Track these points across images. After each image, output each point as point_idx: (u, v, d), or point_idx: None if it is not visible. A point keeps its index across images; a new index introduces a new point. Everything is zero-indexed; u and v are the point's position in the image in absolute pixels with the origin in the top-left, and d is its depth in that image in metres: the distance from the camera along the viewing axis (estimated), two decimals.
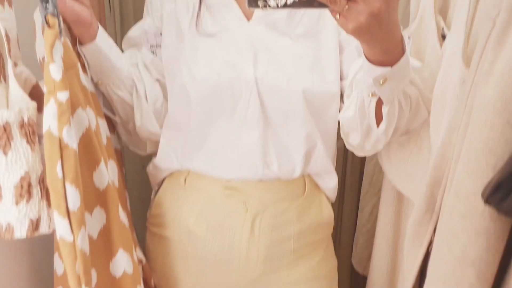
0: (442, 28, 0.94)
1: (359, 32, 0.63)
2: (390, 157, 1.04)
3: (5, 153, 0.67)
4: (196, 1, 0.99)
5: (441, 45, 0.92)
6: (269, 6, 0.58)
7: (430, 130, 0.81)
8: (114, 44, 0.97)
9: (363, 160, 1.44)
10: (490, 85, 0.54)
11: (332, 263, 1.11)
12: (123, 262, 0.86)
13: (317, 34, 0.97)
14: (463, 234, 0.56)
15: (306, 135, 0.96)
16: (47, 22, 0.73)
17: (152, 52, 1.03)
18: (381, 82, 0.73)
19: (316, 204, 1.03)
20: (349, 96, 0.92)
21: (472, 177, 0.55)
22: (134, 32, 1.04)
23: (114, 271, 0.87)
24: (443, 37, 0.93)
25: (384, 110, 0.81)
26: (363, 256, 1.52)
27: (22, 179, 0.69)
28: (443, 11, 0.98)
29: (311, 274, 1.04)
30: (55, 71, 0.70)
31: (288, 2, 0.58)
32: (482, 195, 0.52)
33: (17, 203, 0.69)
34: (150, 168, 1.08)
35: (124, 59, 0.99)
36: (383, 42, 0.67)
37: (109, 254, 0.86)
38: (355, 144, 0.93)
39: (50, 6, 0.74)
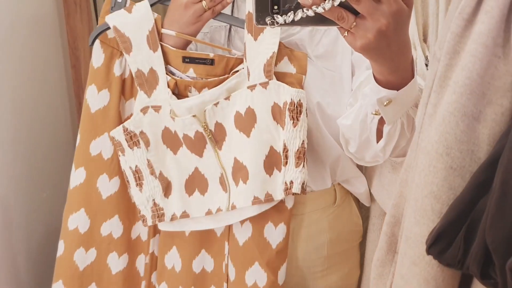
0: (426, 57, 0.93)
1: (367, 50, 0.61)
2: (381, 178, 1.04)
3: (294, 125, 0.86)
4: (227, 26, 1.02)
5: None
6: (277, 23, 0.58)
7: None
8: None
9: None
10: (433, 129, 0.53)
11: (358, 274, 1.13)
12: None
13: (335, 55, 0.99)
14: (413, 280, 0.55)
15: (326, 148, 0.97)
16: None
17: None
18: (385, 104, 0.73)
19: (346, 212, 1.06)
20: (351, 104, 0.92)
21: (419, 223, 0.54)
22: None
23: None
24: (427, 66, 0.93)
25: (385, 129, 0.81)
26: None
27: (301, 146, 0.86)
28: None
29: (342, 284, 1.07)
30: None
31: (296, 19, 0.57)
32: (426, 244, 0.51)
33: (296, 165, 0.87)
34: None
35: None
36: (392, 61, 0.66)
37: None
38: (353, 151, 0.93)
39: None
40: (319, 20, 0.58)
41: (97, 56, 0.96)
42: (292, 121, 0.86)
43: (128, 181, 0.97)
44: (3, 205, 1.18)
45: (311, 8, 0.56)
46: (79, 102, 1.44)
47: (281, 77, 0.90)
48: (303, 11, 0.56)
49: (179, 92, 0.94)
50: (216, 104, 0.91)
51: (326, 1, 0.56)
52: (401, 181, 0.65)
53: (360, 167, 1.06)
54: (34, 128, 1.29)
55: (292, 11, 0.57)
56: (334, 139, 0.98)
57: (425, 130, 0.55)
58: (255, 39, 0.90)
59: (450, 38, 0.52)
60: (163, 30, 0.93)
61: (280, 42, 0.90)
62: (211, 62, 0.92)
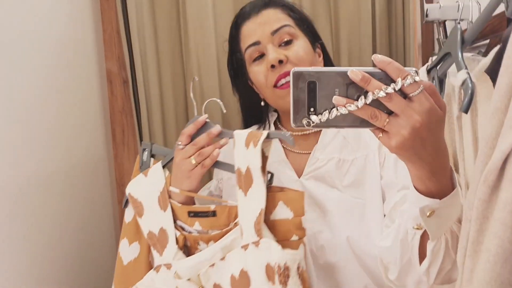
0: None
1: (402, 149, 0.61)
2: None
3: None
4: None
5: None
6: (313, 122, 0.60)
7: None
8: None
9: None
10: None
11: None
12: None
13: (363, 182, 1.01)
14: None
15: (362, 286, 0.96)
16: None
17: None
18: (428, 214, 0.70)
19: None
20: (388, 226, 0.91)
21: None
22: (201, 192, 1.12)
23: None
24: None
25: (429, 246, 0.77)
26: None
27: None
28: None
29: None
30: None
31: (331, 117, 0.60)
32: None
33: None
34: None
35: None
36: (430, 164, 0.64)
37: None
38: (393, 278, 0.87)
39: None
40: (353, 121, 0.61)
41: (128, 212, 1.02)
42: (281, 285, 0.81)
43: None
44: None
45: (345, 106, 0.58)
46: None
47: (277, 225, 0.87)
48: (337, 110, 0.59)
49: (190, 245, 0.95)
50: (212, 265, 0.89)
51: (359, 100, 0.58)
52: None
53: None
54: (83, 258, 1.34)
55: (327, 111, 0.60)
56: (364, 272, 0.97)
57: None
58: (245, 194, 0.90)
59: (478, 204, 0.53)
60: (170, 188, 0.97)
61: (272, 186, 0.90)
62: (213, 214, 0.94)
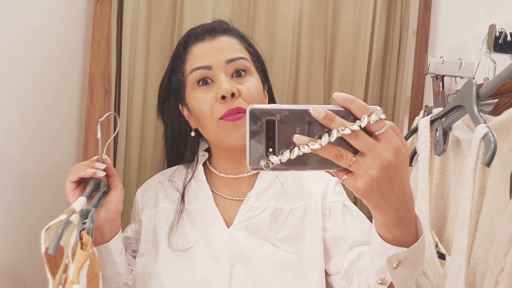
0: (436, 244, 0.94)
1: (370, 190, 0.56)
2: None
3: None
4: (177, 208, 1.00)
5: (440, 263, 0.91)
6: (272, 163, 0.56)
7: None
8: (123, 249, 0.95)
9: None
10: None
11: None
12: None
13: (302, 235, 0.94)
14: None
15: None
16: (81, 239, 0.74)
17: (134, 258, 1.02)
18: (394, 265, 0.64)
19: None
20: None
21: None
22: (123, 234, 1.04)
23: None
24: (438, 253, 0.93)
25: None
26: None
27: None
28: (437, 230, 0.99)
29: None
30: None
31: (292, 157, 0.55)
32: None
33: None
34: None
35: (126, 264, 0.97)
36: (397, 209, 0.59)
37: None
38: None
39: (88, 222, 0.77)
40: (315, 162, 0.57)
41: None
42: None
43: None
44: None
45: (308, 145, 0.55)
46: None
47: None
48: (299, 149, 0.55)
49: None
50: None
51: (323, 138, 0.55)
52: None
53: None
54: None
55: (288, 150, 0.56)
56: None
57: None
58: None
59: None
60: None
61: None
62: None
